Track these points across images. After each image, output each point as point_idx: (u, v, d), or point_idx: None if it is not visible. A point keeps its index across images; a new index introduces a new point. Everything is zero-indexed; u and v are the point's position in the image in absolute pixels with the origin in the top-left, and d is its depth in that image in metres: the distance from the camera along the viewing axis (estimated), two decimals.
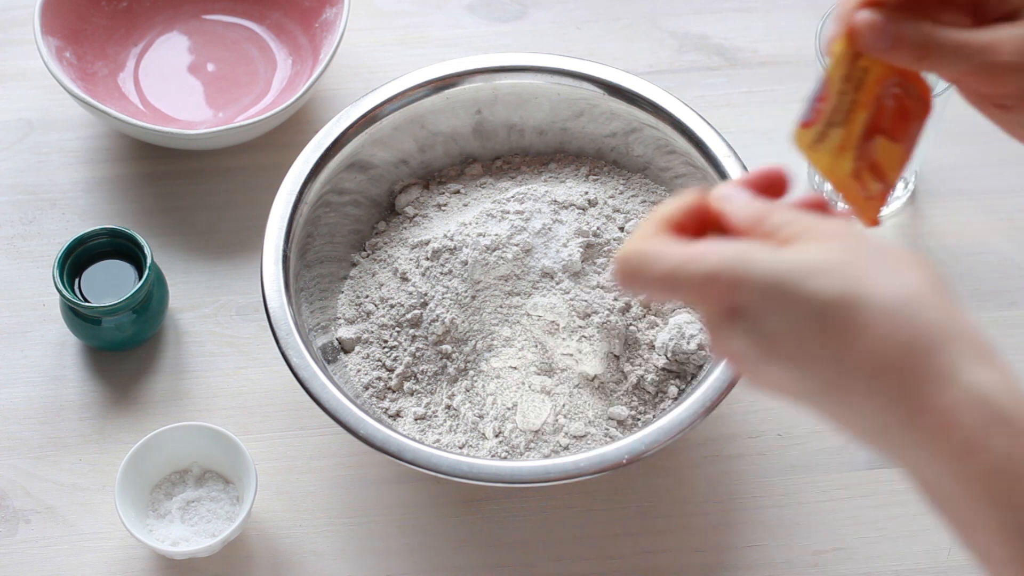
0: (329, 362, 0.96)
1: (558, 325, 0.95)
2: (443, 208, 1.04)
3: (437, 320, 0.96)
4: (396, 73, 1.04)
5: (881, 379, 0.58)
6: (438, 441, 0.94)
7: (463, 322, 0.96)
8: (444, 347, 0.96)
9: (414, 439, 0.90)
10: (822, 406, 0.61)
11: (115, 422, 1.02)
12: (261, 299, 0.94)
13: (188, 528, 0.95)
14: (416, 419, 0.96)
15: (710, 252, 0.61)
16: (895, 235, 1.09)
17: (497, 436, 0.94)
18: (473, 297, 0.96)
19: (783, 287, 0.59)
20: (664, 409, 0.95)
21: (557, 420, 0.94)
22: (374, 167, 1.04)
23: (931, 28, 0.68)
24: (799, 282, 0.58)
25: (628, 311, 0.97)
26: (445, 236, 0.99)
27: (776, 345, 0.60)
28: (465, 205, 1.04)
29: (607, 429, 0.94)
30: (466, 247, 0.97)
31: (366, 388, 0.97)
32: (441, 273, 0.98)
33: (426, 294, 0.98)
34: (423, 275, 0.99)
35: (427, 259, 0.99)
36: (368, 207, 1.05)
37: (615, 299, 0.96)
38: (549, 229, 0.98)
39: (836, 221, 0.62)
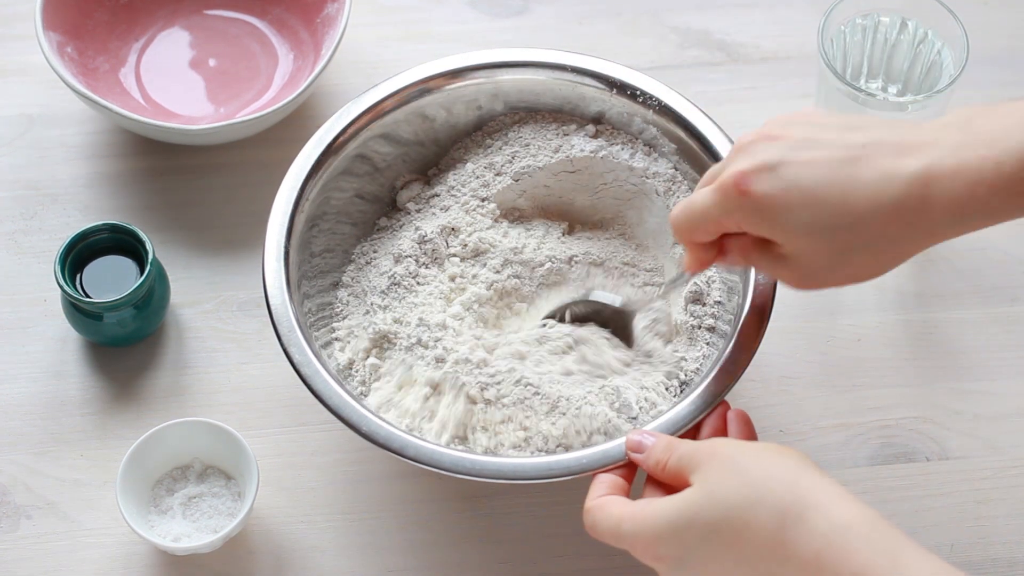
0: (331, 358, 0.96)
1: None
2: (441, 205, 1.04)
3: None
4: (398, 68, 1.03)
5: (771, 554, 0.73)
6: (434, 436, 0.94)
7: None
8: None
9: (416, 436, 0.90)
10: None
11: (117, 418, 1.02)
12: (263, 294, 0.94)
13: (190, 524, 0.95)
14: None
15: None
16: None
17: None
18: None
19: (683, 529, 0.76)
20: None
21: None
22: (376, 163, 1.04)
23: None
24: (692, 519, 0.76)
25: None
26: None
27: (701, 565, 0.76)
28: None
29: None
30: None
31: None
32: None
33: None
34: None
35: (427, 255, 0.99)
36: (370, 203, 1.04)
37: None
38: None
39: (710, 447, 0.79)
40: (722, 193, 0.78)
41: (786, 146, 0.77)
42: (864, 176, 0.75)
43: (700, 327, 0.97)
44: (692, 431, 0.88)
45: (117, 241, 1.03)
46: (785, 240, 0.78)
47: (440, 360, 0.94)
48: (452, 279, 0.99)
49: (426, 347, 0.95)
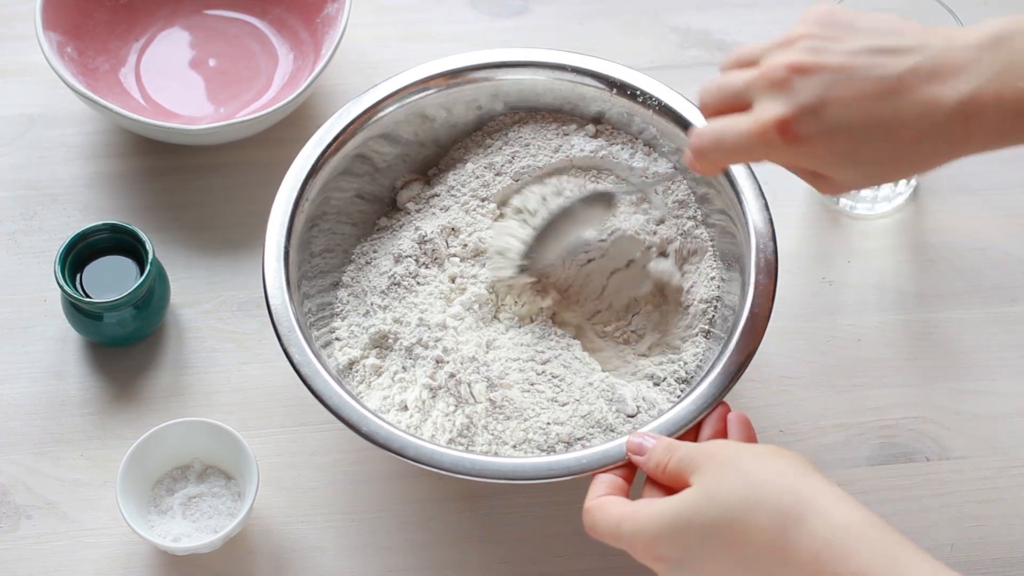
0: (331, 358, 0.96)
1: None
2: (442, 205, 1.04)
3: None
4: (398, 68, 1.03)
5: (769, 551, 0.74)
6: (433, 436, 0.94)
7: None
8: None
9: (416, 436, 0.90)
10: None
11: (117, 418, 1.02)
12: (263, 294, 0.94)
13: (190, 524, 0.95)
14: None
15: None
16: (898, 231, 1.09)
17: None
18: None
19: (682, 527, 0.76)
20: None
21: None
22: (376, 163, 1.04)
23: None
24: (692, 518, 0.76)
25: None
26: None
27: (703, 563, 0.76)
28: None
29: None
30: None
31: None
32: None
33: None
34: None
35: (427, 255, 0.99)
36: (370, 202, 1.05)
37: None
38: None
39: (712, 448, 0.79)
40: (763, 137, 0.78)
41: (823, 82, 0.76)
42: (906, 110, 0.75)
43: (699, 327, 0.97)
44: (692, 432, 0.88)
45: (117, 241, 1.03)
46: (830, 172, 0.79)
47: (440, 360, 0.94)
48: (452, 279, 0.99)
49: (426, 347, 0.95)
